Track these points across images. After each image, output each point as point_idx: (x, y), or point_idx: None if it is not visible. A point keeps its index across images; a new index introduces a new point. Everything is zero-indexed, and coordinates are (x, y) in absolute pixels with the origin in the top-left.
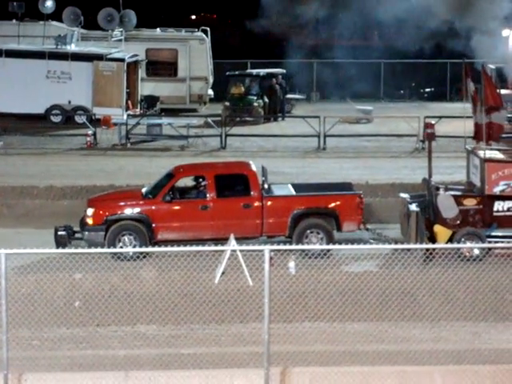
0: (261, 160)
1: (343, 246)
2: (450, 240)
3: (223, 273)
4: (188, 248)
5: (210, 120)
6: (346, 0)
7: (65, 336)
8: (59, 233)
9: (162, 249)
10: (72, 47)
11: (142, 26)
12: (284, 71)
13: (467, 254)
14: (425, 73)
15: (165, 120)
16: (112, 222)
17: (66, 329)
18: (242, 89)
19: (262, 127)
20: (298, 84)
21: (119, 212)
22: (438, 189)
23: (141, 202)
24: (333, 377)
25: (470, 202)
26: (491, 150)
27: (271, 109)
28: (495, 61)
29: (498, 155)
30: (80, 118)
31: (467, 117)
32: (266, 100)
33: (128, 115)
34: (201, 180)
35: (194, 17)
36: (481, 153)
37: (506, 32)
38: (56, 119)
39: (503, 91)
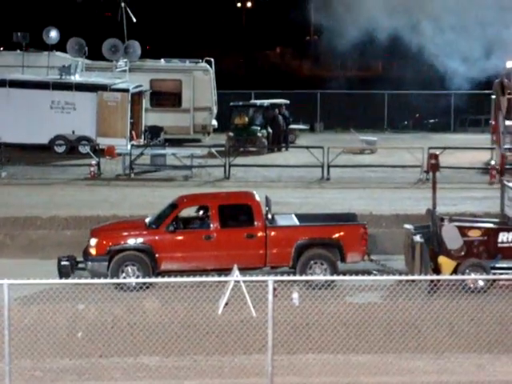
0: (264, 190)
1: (347, 277)
2: (455, 271)
3: (226, 303)
4: (191, 279)
5: (213, 150)
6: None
7: (67, 367)
8: (62, 263)
9: (165, 279)
10: (76, 77)
11: (146, 57)
12: (287, 102)
13: (472, 285)
14: (429, 104)
15: (169, 150)
16: (115, 252)
17: (68, 360)
18: (246, 119)
19: (266, 157)
20: (301, 114)
21: (122, 242)
22: (442, 220)
23: (144, 232)
24: None
25: (475, 234)
26: None
27: (275, 139)
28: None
29: None
30: (84, 148)
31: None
32: (270, 130)
33: (132, 145)
34: (204, 210)
35: (198, 48)
36: None
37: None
38: (60, 149)
39: (507, 122)
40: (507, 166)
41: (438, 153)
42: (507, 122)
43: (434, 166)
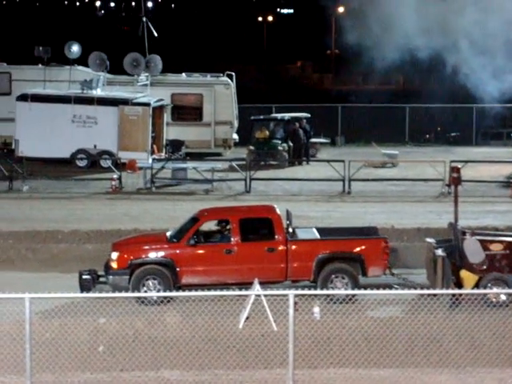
0: (285, 204)
1: (368, 292)
2: (477, 285)
3: (247, 318)
4: (212, 293)
5: (234, 164)
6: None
7: (89, 381)
8: (83, 277)
9: (186, 293)
10: (98, 92)
11: (167, 71)
12: (308, 115)
13: (494, 299)
14: (450, 117)
15: (190, 164)
16: (136, 265)
17: (89, 374)
18: (267, 133)
19: (287, 171)
20: (322, 128)
21: (143, 256)
22: (464, 233)
23: (165, 246)
24: None
25: (497, 247)
26: None
27: (295, 153)
28: None
29: None
30: (105, 162)
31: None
32: (291, 144)
33: (153, 159)
34: (225, 224)
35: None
36: None
37: None
38: (81, 163)
39: None
40: None
41: (459, 166)
42: None
43: (455, 180)
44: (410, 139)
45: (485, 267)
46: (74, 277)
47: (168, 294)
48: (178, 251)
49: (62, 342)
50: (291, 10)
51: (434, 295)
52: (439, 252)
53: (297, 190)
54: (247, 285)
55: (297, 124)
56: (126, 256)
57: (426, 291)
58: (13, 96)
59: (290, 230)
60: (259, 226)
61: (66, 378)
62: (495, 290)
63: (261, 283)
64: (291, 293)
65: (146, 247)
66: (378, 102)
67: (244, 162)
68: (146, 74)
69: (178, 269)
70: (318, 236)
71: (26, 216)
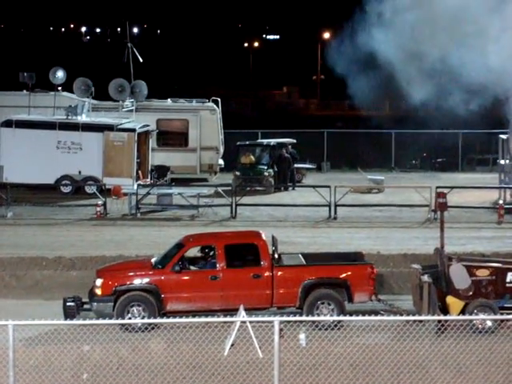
0: (271, 229)
1: (354, 318)
2: (463, 311)
3: (233, 344)
4: (197, 319)
5: (220, 190)
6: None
7: None
8: (68, 304)
9: (171, 320)
10: (83, 118)
11: (152, 97)
12: (294, 141)
13: (480, 325)
14: (436, 143)
15: (175, 190)
16: (121, 292)
17: None
18: (253, 158)
19: (273, 197)
20: (308, 154)
21: (128, 282)
22: (450, 259)
23: (150, 273)
24: None
25: (483, 273)
26: None
27: (281, 178)
28: None
29: None
30: (90, 189)
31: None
32: (276, 169)
33: (138, 185)
34: (210, 250)
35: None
36: None
37: None
38: (66, 189)
39: None
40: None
41: (445, 192)
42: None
43: (442, 205)
44: (395, 165)
45: (471, 293)
46: (58, 304)
47: (152, 320)
48: (162, 277)
49: (46, 370)
50: (277, 36)
51: (420, 321)
52: (425, 278)
53: (283, 215)
54: (233, 311)
55: (283, 150)
56: (110, 283)
57: (412, 317)
58: None
59: (276, 255)
60: (245, 252)
61: None
62: (481, 316)
63: (246, 310)
64: (276, 319)
65: (131, 274)
66: (364, 128)
67: (230, 188)
68: (132, 100)
69: (162, 295)
70: (303, 262)
71: (10, 242)
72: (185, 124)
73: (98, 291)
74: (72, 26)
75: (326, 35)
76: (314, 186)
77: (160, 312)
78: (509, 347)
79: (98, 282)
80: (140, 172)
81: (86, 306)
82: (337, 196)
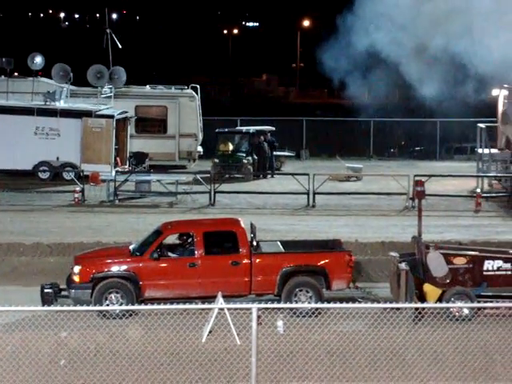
0: (250, 217)
1: (332, 305)
2: (440, 299)
3: (210, 331)
4: (175, 306)
5: (199, 177)
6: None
7: None
8: (45, 290)
9: (149, 307)
10: (61, 104)
11: (131, 83)
12: (273, 128)
13: (457, 313)
14: (415, 131)
15: (153, 177)
16: (99, 279)
17: None
18: (231, 146)
19: (252, 184)
20: (287, 141)
21: (106, 270)
22: (427, 247)
23: (128, 260)
24: None
25: (460, 261)
26: None
27: (260, 166)
28: None
29: None
30: (68, 175)
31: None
32: (255, 157)
33: (116, 172)
34: (189, 237)
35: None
36: None
37: (495, 92)
38: (44, 175)
39: (493, 150)
40: (493, 194)
41: (423, 180)
42: (493, 150)
43: (419, 193)
44: (374, 153)
45: (448, 281)
46: (36, 290)
47: (130, 307)
48: (140, 265)
49: (23, 356)
50: (257, 24)
51: (398, 309)
52: (403, 266)
53: (261, 203)
54: (211, 298)
55: (262, 137)
56: (88, 270)
57: (389, 305)
58: None
59: (254, 243)
60: (223, 240)
61: None
62: (458, 304)
63: (224, 297)
64: (254, 306)
65: (109, 261)
66: (343, 116)
67: (208, 175)
68: (110, 86)
69: (141, 282)
70: (282, 249)
71: None
72: (163, 111)
73: (76, 278)
74: (51, 11)
75: (306, 23)
76: (292, 174)
77: (138, 299)
78: (485, 335)
79: (76, 268)
80: (118, 158)
81: (63, 293)
82: (315, 184)
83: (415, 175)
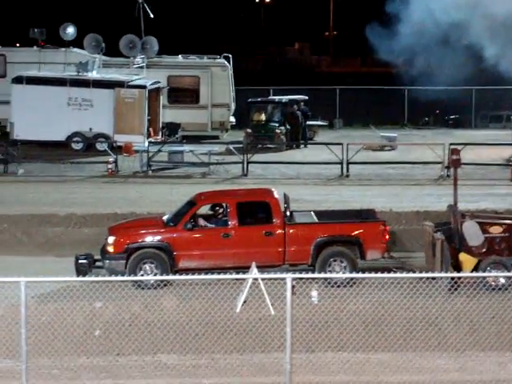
0: (283, 187)
1: (367, 275)
2: (476, 269)
3: (245, 302)
4: (209, 276)
5: (231, 147)
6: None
7: (85, 365)
8: (80, 261)
9: (183, 277)
10: (93, 74)
11: (163, 53)
12: (306, 98)
13: (493, 283)
14: (450, 100)
15: (186, 147)
16: (133, 250)
17: (85, 358)
18: (264, 116)
19: (284, 154)
20: (320, 111)
21: (140, 240)
22: (463, 216)
23: (162, 230)
24: None
25: (496, 230)
26: None
27: (293, 136)
28: None
29: None
30: (101, 146)
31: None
32: (288, 127)
33: (149, 142)
34: (222, 208)
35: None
36: None
37: None
38: (77, 146)
39: None
40: None
41: (459, 148)
42: None
43: (455, 162)
44: (408, 122)
45: (484, 250)
46: (70, 261)
47: (165, 277)
48: (174, 235)
49: (58, 326)
50: None
51: (433, 278)
52: (438, 235)
53: (294, 173)
54: (245, 269)
55: (295, 107)
56: (122, 240)
57: (424, 274)
58: (8, 78)
59: (288, 213)
60: (257, 210)
61: (62, 362)
62: (494, 273)
63: (258, 267)
64: (289, 276)
65: (143, 231)
66: (377, 85)
67: (241, 145)
68: (142, 56)
69: (175, 253)
70: (316, 220)
71: (21, 199)
72: (196, 81)
73: (110, 249)
74: None
75: None
76: (326, 144)
77: (172, 269)
78: None
79: (110, 239)
80: (151, 129)
81: (97, 264)
82: (349, 153)
83: (450, 144)
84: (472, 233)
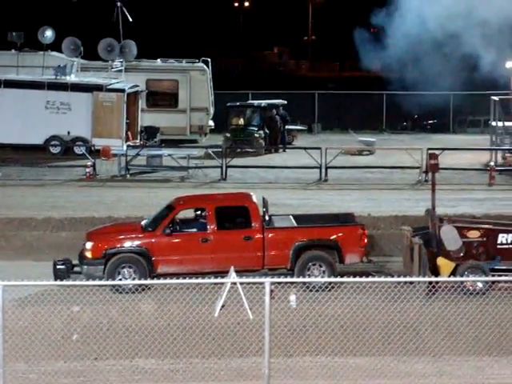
0: (262, 191)
1: (345, 279)
2: (453, 273)
3: (223, 306)
4: (187, 280)
5: (210, 151)
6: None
7: (62, 369)
8: (58, 266)
9: (161, 281)
10: (72, 78)
11: (142, 57)
12: (285, 102)
13: (471, 287)
14: (428, 104)
15: (165, 151)
16: (111, 255)
17: (63, 362)
18: (243, 120)
19: (263, 158)
20: (299, 115)
21: (118, 245)
22: (441, 220)
23: (140, 235)
24: None
25: (474, 235)
26: None
27: (272, 140)
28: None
29: None
30: (79, 149)
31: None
32: (267, 131)
33: (128, 146)
34: (201, 212)
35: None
36: None
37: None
38: (55, 150)
39: (507, 123)
40: (507, 167)
41: (437, 153)
42: (507, 123)
43: (433, 166)
44: (386, 127)
45: (462, 254)
46: (48, 265)
47: (143, 281)
48: (153, 240)
49: (36, 331)
50: None
51: (411, 283)
52: (416, 240)
53: (273, 177)
54: (223, 273)
55: (273, 111)
56: (100, 246)
57: (402, 279)
58: None
59: (267, 217)
60: (236, 214)
61: (40, 366)
62: (472, 277)
63: (237, 271)
64: (267, 280)
65: (121, 237)
66: (356, 89)
67: (220, 149)
68: (121, 60)
69: (153, 258)
70: (294, 224)
71: None
72: (174, 85)
73: (88, 254)
74: None
75: None
76: (304, 148)
77: (151, 274)
78: (499, 309)
79: (88, 245)
80: (129, 133)
81: (76, 269)
82: (328, 158)
83: (428, 149)
84: (450, 237)
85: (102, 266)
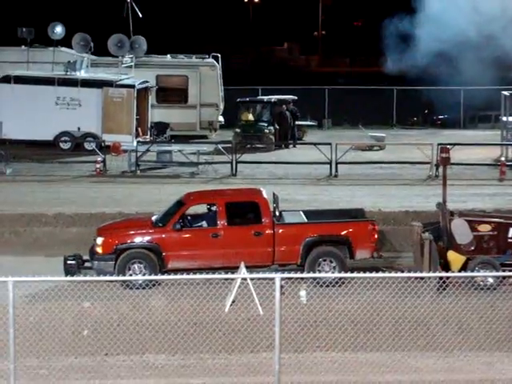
0: (272, 187)
1: (356, 275)
2: (464, 268)
3: (233, 301)
4: (198, 276)
5: (220, 147)
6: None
7: (73, 365)
8: (68, 262)
9: (172, 277)
10: (81, 73)
11: (152, 53)
12: (295, 97)
13: (481, 282)
14: (438, 99)
15: (175, 147)
16: (122, 250)
17: (74, 358)
18: (253, 115)
19: (273, 154)
20: (309, 110)
21: (129, 241)
22: (452, 214)
23: (151, 231)
24: None
25: (485, 229)
26: None
27: (282, 135)
28: None
29: None
30: (89, 145)
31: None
32: (277, 127)
33: (138, 142)
34: (211, 208)
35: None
36: None
37: None
38: (65, 146)
39: None
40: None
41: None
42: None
43: (445, 160)
44: (397, 122)
45: (472, 248)
46: (59, 260)
47: (153, 277)
48: (163, 236)
49: (46, 326)
50: None
51: (422, 278)
52: (426, 235)
53: (283, 173)
54: (234, 269)
55: (283, 106)
56: (111, 241)
57: (413, 274)
58: None
59: (277, 213)
60: (246, 210)
61: (50, 362)
62: (483, 272)
63: (248, 267)
64: (277, 276)
65: (132, 232)
66: (365, 85)
67: (230, 145)
68: (131, 56)
69: (164, 253)
70: (305, 219)
71: (10, 199)
72: (184, 80)
73: (99, 249)
74: None
75: None
76: (315, 144)
77: (161, 270)
78: (510, 304)
79: (99, 240)
80: (139, 129)
81: (86, 264)
82: (338, 153)
83: (439, 144)
84: (461, 231)
85: (113, 262)
